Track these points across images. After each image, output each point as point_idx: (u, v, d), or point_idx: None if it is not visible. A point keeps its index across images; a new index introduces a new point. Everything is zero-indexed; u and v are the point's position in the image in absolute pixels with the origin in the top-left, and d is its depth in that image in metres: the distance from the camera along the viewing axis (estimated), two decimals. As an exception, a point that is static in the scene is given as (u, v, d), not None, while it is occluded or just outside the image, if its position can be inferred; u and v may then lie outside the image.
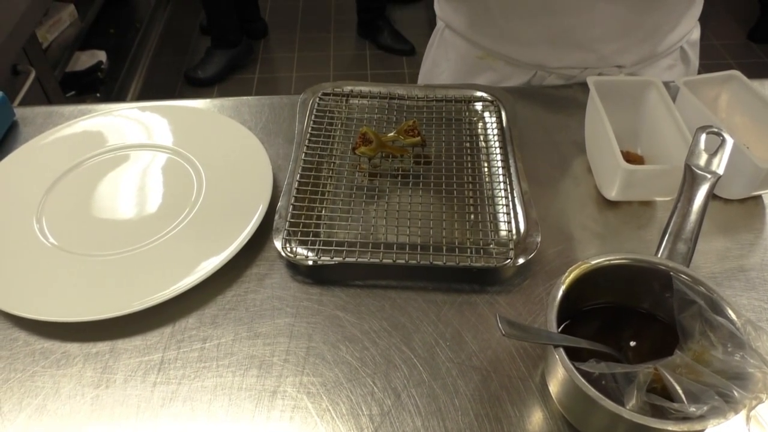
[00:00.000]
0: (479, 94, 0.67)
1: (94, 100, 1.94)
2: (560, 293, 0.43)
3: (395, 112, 0.67)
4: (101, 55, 2.09)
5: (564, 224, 0.58)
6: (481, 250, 0.53)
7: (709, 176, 0.49)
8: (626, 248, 0.56)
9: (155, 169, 0.62)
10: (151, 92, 2.25)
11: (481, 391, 0.46)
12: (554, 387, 0.44)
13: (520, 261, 0.52)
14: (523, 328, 0.41)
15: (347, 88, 0.69)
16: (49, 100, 1.59)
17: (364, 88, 0.69)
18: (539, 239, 0.54)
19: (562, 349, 0.40)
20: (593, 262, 0.44)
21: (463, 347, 0.49)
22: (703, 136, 0.51)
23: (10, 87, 1.39)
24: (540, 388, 0.47)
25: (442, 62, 0.85)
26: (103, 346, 0.50)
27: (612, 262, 0.44)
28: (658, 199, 0.59)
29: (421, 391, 0.46)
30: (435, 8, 0.85)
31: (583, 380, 0.38)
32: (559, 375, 0.42)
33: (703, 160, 0.50)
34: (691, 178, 0.49)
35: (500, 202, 0.57)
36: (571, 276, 0.43)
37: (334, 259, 0.52)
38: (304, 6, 2.69)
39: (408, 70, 2.35)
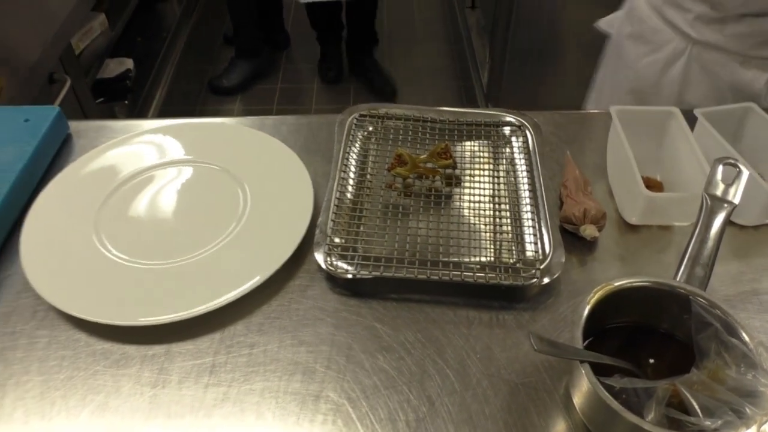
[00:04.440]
0: (507, 118, 0.71)
1: (123, 108, 2.00)
2: (586, 312, 0.46)
3: (428, 134, 0.71)
4: (129, 63, 2.14)
5: (586, 246, 0.62)
6: (510, 269, 0.57)
7: (725, 205, 0.52)
8: (646, 270, 0.60)
9: (203, 184, 0.67)
10: (175, 100, 2.30)
11: (509, 402, 0.50)
12: (578, 399, 0.47)
13: (546, 280, 0.56)
14: (552, 344, 0.44)
15: (382, 110, 0.73)
16: (81, 107, 1.64)
17: (398, 111, 0.73)
18: (563, 260, 0.57)
19: (588, 365, 0.43)
20: (616, 284, 0.48)
21: (492, 360, 0.53)
22: (721, 167, 0.55)
23: (46, 94, 1.45)
24: (564, 400, 0.50)
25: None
26: (158, 349, 0.54)
27: (634, 284, 0.48)
28: (676, 224, 0.62)
29: (453, 400, 0.50)
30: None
31: (607, 394, 0.42)
32: (583, 388, 0.45)
33: (720, 190, 0.53)
34: (708, 207, 0.53)
35: (527, 224, 0.61)
36: (596, 296, 0.47)
37: (372, 273, 0.56)
38: (326, 18, 2.74)
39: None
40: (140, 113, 2.10)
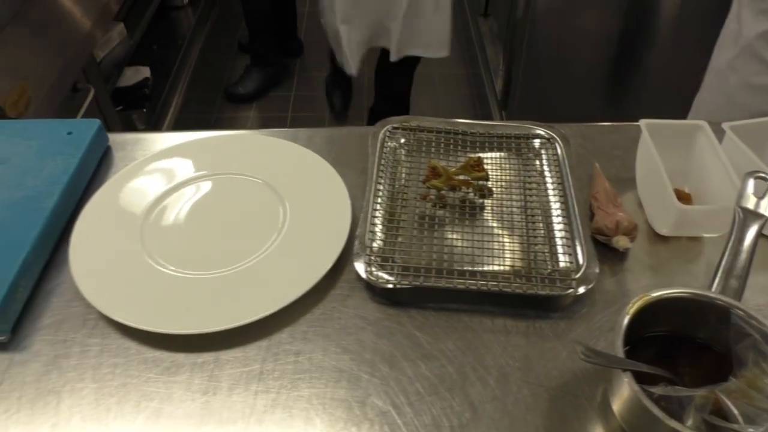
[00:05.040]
0: (537, 131, 0.73)
1: (141, 116, 2.02)
2: (626, 322, 0.48)
3: (459, 147, 0.73)
4: (146, 71, 2.17)
5: (618, 256, 0.63)
6: (546, 279, 0.58)
7: (758, 218, 0.54)
8: (677, 281, 0.61)
9: (243, 196, 0.69)
10: (191, 108, 2.33)
11: (549, 409, 0.52)
12: (618, 406, 0.49)
13: (582, 290, 0.58)
14: (597, 353, 0.46)
15: (413, 123, 0.74)
16: (103, 116, 1.67)
17: (429, 124, 0.75)
18: (597, 270, 0.59)
19: (630, 373, 0.45)
20: (654, 295, 0.50)
21: (530, 367, 0.54)
22: (751, 181, 0.56)
23: (69, 104, 1.47)
24: (601, 406, 0.52)
25: None
26: (207, 357, 0.56)
27: (672, 295, 0.49)
28: (705, 235, 0.64)
29: (495, 407, 0.52)
30: None
31: (650, 402, 0.43)
32: (625, 395, 0.47)
33: (751, 203, 0.55)
34: (741, 220, 0.54)
35: (560, 235, 0.63)
36: (635, 306, 0.49)
37: (413, 283, 0.58)
38: (339, 26, 2.77)
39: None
40: (157, 121, 2.13)
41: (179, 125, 2.24)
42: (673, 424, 0.43)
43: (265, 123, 2.31)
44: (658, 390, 0.44)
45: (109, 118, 1.72)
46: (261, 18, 2.24)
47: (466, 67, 2.53)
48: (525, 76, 1.80)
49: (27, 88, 1.23)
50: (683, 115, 1.02)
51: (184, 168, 0.71)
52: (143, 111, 2.04)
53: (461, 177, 0.67)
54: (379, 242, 0.62)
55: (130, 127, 2.00)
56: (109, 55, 1.96)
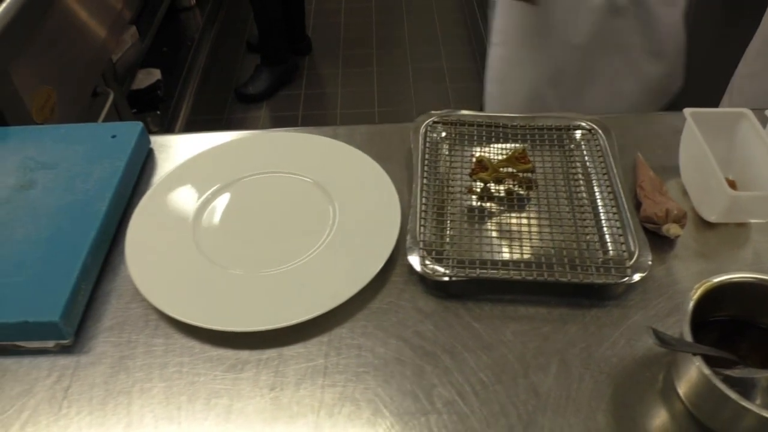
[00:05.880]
0: (578, 122, 0.74)
1: (155, 118, 2.03)
2: (691, 307, 0.49)
3: (501, 139, 0.73)
4: (157, 74, 2.18)
5: (666, 244, 0.64)
6: (601, 268, 0.59)
7: (811, 203, 0.55)
8: (726, 267, 0.62)
9: (291, 194, 0.69)
10: (202, 109, 2.34)
11: (612, 394, 0.52)
12: (685, 389, 0.50)
13: (636, 278, 0.58)
14: (669, 339, 0.47)
15: (453, 117, 0.75)
16: (121, 119, 1.67)
17: (469, 117, 0.75)
18: (650, 258, 0.60)
19: (700, 357, 0.46)
20: (716, 280, 0.50)
21: (591, 355, 0.55)
22: (800, 165, 0.57)
23: (89, 108, 1.48)
24: (663, 390, 0.53)
25: None
26: (271, 353, 0.56)
27: (736, 279, 0.50)
28: (753, 221, 0.64)
29: (558, 394, 0.53)
30: None
31: (723, 385, 0.44)
32: (693, 378, 0.48)
33: (802, 187, 0.56)
34: (793, 204, 0.55)
35: (610, 224, 0.63)
36: (699, 292, 0.50)
37: (470, 275, 0.59)
38: (346, 23, 2.77)
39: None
40: (170, 123, 2.13)
41: (191, 127, 2.25)
42: (746, 404, 0.43)
43: (277, 122, 2.32)
44: (734, 372, 0.45)
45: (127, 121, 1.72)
46: (272, 19, 2.24)
47: (475, 61, 2.54)
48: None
49: (52, 93, 1.23)
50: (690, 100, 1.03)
51: (229, 168, 0.72)
52: (157, 113, 2.04)
53: (507, 169, 0.68)
54: (430, 236, 0.63)
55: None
56: (122, 59, 1.96)
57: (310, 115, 2.33)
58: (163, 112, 2.10)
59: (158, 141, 0.80)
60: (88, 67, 1.44)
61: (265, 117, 2.34)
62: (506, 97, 1.17)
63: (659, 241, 0.64)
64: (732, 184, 0.68)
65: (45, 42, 1.25)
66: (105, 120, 1.49)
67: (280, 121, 2.32)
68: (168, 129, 2.10)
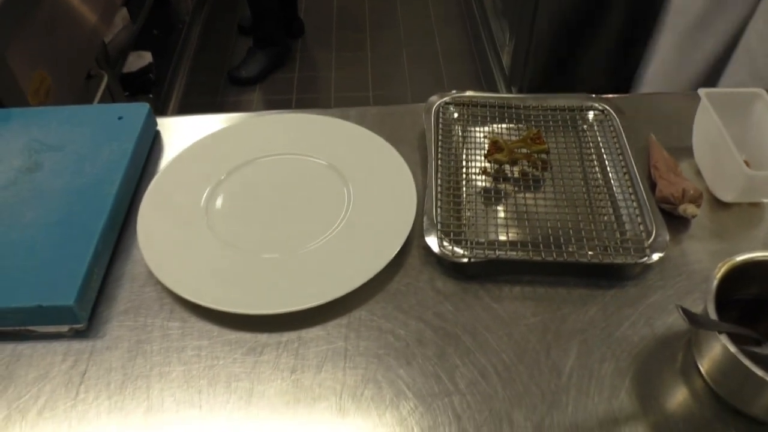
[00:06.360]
0: (590, 103, 0.73)
1: (147, 101, 1.99)
2: (714, 285, 0.49)
3: (513, 120, 0.73)
4: (148, 56, 2.14)
5: (682, 224, 0.64)
6: (620, 248, 0.59)
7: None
8: (742, 247, 0.62)
9: (305, 176, 0.69)
10: (194, 91, 2.31)
11: (634, 373, 0.53)
12: (708, 366, 0.50)
13: (655, 257, 0.58)
14: (696, 317, 0.47)
15: (465, 98, 0.75)
16: (114, 102, 1.65)
17: (481, 98, 0.75)
18: (668, 237, 0.60)
19: (726, 335, 0.46)
20: (739, 259, 0.51)
21: (611, 334, 0.55)
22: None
23: (84, 91, 1.46)
24: (683, 367, 0.53)
25: None
26: (290, 335, 0.56)
27: (758, 258, 0.50)
28: (766, 201, 0.65)
29: (581, 373, 0.53)
30: None
31: (750, 362, 0.44)
32: (716, 355, 0.48)
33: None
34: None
35: (627, 204, 0.63)
36: (722, 271, 0.50)
37: (489, 256, 0.59)
38: (339, 5, 2.74)
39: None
40: (163, 106, 2.11)
41: (184, 110, 2.22)
42: (773, 381, 0.44)
43: (271, 105, 2.30)
44: (761, 350, 0.45)
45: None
46: (265, 1, 2.21)
47: (470, 43, 2.52)
48: (537, 51, 1.79)
49: (47, 76, 1.21)
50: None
51: (240, 150, 0.71)
52: (149, 96, 2.01)
53: (522, 150, 0.68)
54: (447, 217, 0.63)
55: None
56: (113, 41, 1.93)
57: (303, 98, 2.31)
58: (156, 96, 2.07)
59: (164, 123, 0.79)
60: (81, 50, 1.41)
61: (259, 100, 2.32)
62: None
63: (674, 222, 0.64)
64: (746, 164, 0.68)
65: (39, 25, 1.22)
66: (100, 103, 1.47)
67: (274, 104, 2.30)
68: (161, 112, 2.07)
